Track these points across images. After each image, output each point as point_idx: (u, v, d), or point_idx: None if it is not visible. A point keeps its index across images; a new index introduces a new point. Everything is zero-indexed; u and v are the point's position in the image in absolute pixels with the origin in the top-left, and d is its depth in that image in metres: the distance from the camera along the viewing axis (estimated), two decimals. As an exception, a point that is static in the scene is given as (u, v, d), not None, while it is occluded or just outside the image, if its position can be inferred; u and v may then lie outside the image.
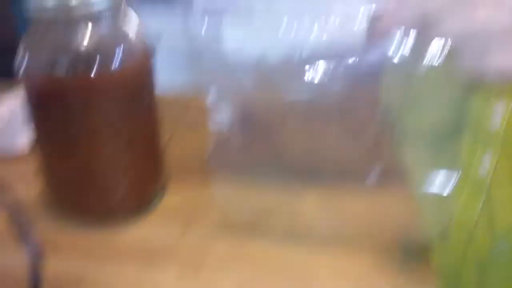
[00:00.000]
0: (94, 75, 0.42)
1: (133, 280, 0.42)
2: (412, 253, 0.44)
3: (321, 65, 0.42)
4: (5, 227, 0.45)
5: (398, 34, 0.34)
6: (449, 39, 0.31)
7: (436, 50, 0.34)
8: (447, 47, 0.32)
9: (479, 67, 0.31)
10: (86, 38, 0.42)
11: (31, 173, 0.49)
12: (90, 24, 0.42)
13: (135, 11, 0.45)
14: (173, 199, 0.52)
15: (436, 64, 0.34)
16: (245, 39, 0.42)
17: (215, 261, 0.44)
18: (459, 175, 0.46)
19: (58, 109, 0.43)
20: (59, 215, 0.49)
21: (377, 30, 0.34)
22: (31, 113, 0.46)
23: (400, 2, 0.33)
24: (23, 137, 0.60)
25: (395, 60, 0.37)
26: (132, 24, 0.46)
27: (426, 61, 0.36)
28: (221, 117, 0.47)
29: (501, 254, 0.42)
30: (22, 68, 0.43)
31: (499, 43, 0.29)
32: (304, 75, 0.42)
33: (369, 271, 0.42)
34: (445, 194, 0.47)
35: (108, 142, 0.45)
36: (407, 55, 0.36)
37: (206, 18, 0.42)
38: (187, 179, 0.55)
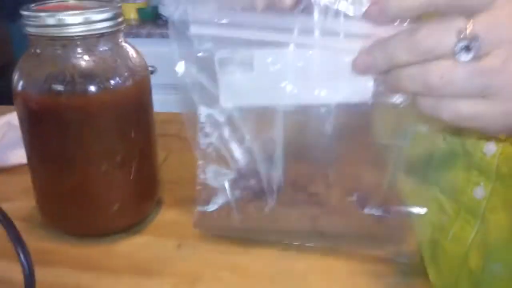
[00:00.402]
0: (91, 94, 0.42)
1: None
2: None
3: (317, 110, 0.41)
4: (2, 237, 0.45)
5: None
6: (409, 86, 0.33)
7: None
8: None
9: (434, 113, 0.32)
10: (85, 57, 0.43)
11: (26, 185, 0.49)
12: (88, 43, 0.43)
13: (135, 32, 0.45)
14: (169, 214, 0.53)
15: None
16: (243, 87, 0.40)
17: (210, 272, 0.44)
18: (452, 199, 0.46)
19: (54, 127, 0.43)
20: (54, 228, 0.49)
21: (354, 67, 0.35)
22: (26, 130, 0.45)
23: (371, 46, 0.34)
24: (19, 150, 0.60)
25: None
26: (130, 44, 0.47)
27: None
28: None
29: (494, 276, 0.42)
30: (20, 85, 0.43)
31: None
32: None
33: (366, 287, 0.42)
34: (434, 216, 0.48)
35: (103, 160, 0.45)
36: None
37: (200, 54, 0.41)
38: (183, 195, 0.55)
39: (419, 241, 0.47)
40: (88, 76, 0.42)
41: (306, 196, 0.46)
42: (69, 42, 0.42)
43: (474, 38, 0.28)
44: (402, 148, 0.42)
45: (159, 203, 0.54)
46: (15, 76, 0.44)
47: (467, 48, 0.29)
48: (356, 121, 0.41)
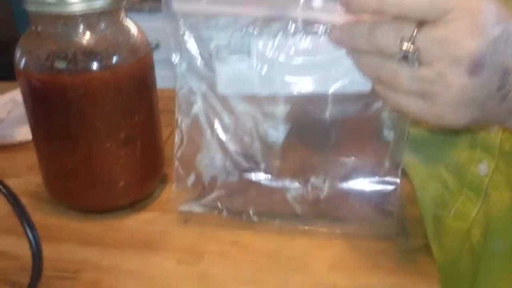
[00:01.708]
0: (93, 71, 0.42)
1: (134, 265, 0.43)
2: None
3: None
4: (9, 213, 0.46)
5: None
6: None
7: None
8: None
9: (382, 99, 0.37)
10: (86, 34, 0.42)
11: (33, 162, 0.50)
12: (90, 21, 0.42)
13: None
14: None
15: None
16: (240, 75, 0.40)
17: (214, 248, 0.44)
18: (455, 176, 0.46)
19: (57, 105, 0.43)
20: (60, 204, 0.50)
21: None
22: (29, 108, 0.46)
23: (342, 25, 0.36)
24: (25, 126, 0.61)
25: None
26: (132, 21, 0.46)
27: None
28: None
29: (495, 252, 0.43)
30: (22, 64, 0.43)
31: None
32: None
33: (368, 263, 0.42)
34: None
35: (107, 138, 0.45)
36: None
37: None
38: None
39: (423, 217, 0.47)
40: (90, 54, 0.42)
41: (305, 181, 0.46)
42: (70, 19, 0.42)
43: (414, 50, 0.31)
44: (404, 128, 0.41)
45: (164, 180, 0.54)
46: (17, 54, 0.44)
47: (407, 57, 0.31)
48: (355, 108, 0.41)
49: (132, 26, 0.46)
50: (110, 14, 0.43)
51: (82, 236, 0.46)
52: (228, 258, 0.43)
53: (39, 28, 0.43)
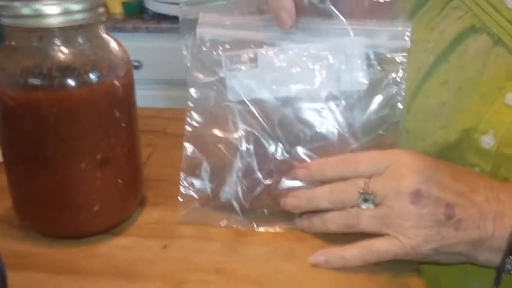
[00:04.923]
0: (70, 88, 0.40)
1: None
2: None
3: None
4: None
5: None
6: None
7: None
8: None
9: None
10: (63, 49, 0.41)
11: (2, 184, 0.47)
12: (66, 35, 0.41)
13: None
14: (153, 213, 0.51)
15: None
16: (248, 82, 0.45)
17: (196, 275, 0.42)
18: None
19: (30, 124, 0.41)
20: (31, 229, 0.47)
21: None
22: (1, 127, 0.43)
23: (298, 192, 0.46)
24: None
25: None
26: (112, 37, 0.45)
27: None
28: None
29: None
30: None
31: None
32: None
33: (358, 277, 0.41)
34: None
35: (83, 158, 0.43)
36: None
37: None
38: (168, 193, 0.53)
39: None
40: (66, 69, 0.40)
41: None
42: (46, 33, 0.40)
43: (371, 193, 0.41)
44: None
45: (142, 202, 0.52)
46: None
47: (367, 200, 0.41)
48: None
49: (112, 42, 0.44)
50: (89, 28, 0.41)
51: (55, 263, 0.44)
52: (210, 286, 0.41)
53: (13, 43, 0.41)
